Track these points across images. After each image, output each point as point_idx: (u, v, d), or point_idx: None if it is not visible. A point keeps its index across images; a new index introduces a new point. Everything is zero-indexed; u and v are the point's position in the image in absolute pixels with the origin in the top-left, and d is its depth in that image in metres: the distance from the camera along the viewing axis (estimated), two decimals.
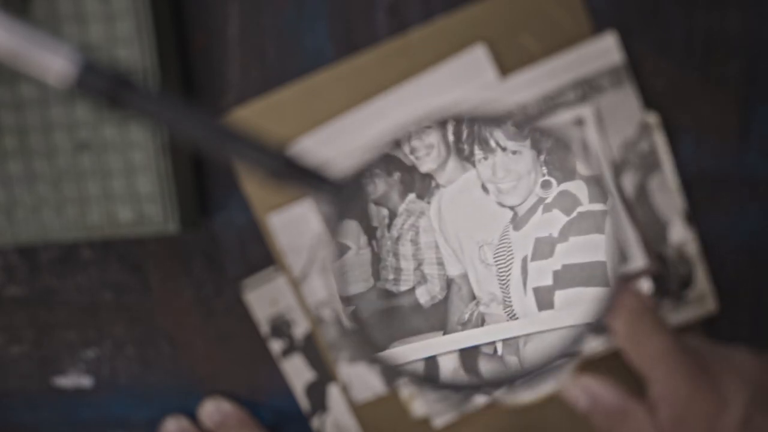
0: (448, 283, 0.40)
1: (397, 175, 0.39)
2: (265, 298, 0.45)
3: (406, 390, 0.44)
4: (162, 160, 0.41)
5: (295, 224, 0.43)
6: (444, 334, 0.40)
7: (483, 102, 0.41)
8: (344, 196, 0.26)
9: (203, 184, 0.44)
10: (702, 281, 0.42)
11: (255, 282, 0.45)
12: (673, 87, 0.41)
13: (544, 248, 0.38)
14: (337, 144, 0.42)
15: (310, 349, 0.45)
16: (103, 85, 0.24)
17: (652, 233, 0.42)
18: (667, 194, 0.41)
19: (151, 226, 0.41)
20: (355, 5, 0.42)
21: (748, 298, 0.43)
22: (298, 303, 0.44)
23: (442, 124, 0.38)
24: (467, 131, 0.39)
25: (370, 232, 0.39)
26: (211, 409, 0.46)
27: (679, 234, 0.42)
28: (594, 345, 0.43)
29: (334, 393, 0.45)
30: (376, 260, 0.40)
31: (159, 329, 0.46)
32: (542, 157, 0.38)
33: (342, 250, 0.39)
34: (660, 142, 0.41)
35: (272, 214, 0.43)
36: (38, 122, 0.41)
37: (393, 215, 0.40)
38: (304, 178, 0.25)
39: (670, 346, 0.35)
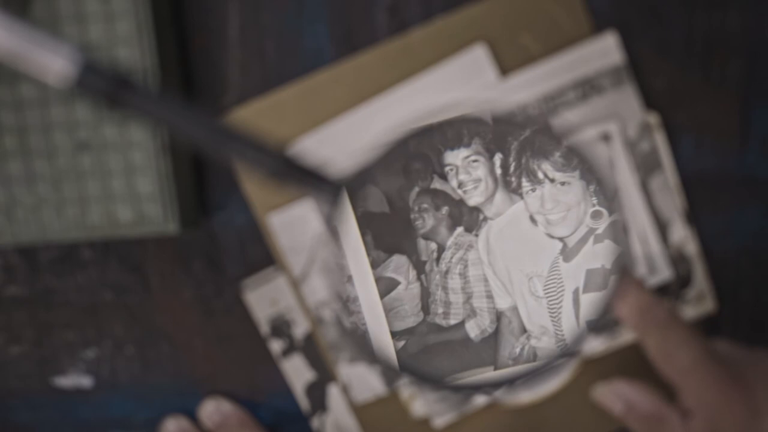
0: (498, 316, 0.39)
1: (445, 209, 0.39)
2: (265, 298, 0.45)
3: (406, 390, 0.44)
4: (162, 160, 0.41)
5: (295, 224, 0.43)
6: (495, 368, 0.39)
7: (484, 102, 0.41)
8: (344, 197, 0.26)
9: (203, 184, 0.44)
10: (701, 281, 0.42)
11: (255, 282, 0.45)
12: (673, 87, 0.41)
13: (596, 280, 0.38)
14: (337, 144, 0.42)
15: (310, 349, 0.45)
16: (103, 85, 0.24)
17: (653, 233, 0.42)
18: (668, 194, 0.41)
19: (151, 226, 0.41)
20: (355, 5, 0.42)
21: (747, 298, 0.43)
22: (298, 303, 0.44)
23: (489, 157, 0.38)
24: (515, 164, 0.38)
25: (419, 266, 0.39)
26: (211, 409, 0.46)
27: (679, 234, 0.42)
28: (594, 345, 0.43)
29: (334, 393, 0.45)
30: (426, 294, 0.40)
31: (159, 329, 0.46)
32: (592, 188, 0.38)
33: (392, 284, 0.39)
34: (660, 142, 0.41)
35: (272, 214, 0.43)
36: (38, 122, 0.41)
37: (441, 249, 0.39)
38: (304, 178, 0.25)
39: (702, 357, 0.35)
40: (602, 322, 0.38)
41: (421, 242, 0.40)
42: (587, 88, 0.41)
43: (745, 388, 0.35)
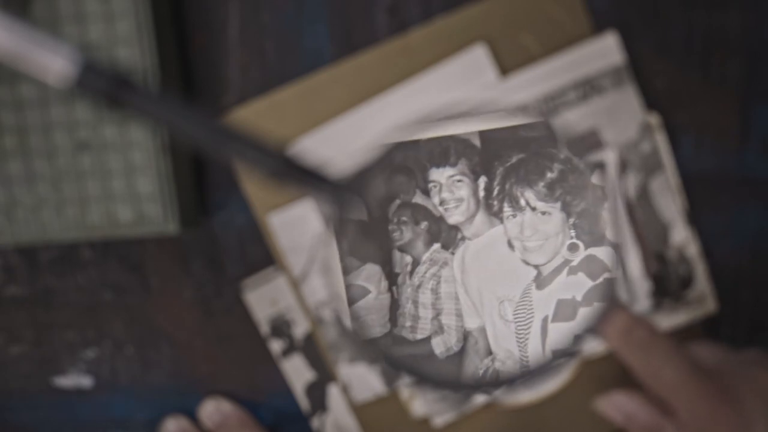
0: (465, 335, 0.40)
1: (424, 224, 0.39)
2: (265, 298, 0.45)
3: (406, 390, 0.44)
4: (162, 160, 0.41)
5: (295, 224, 0.43)
6: None
7: (484, 101, 0.41)
8: (344, 196, 0.26)
9: (203, 184, 0.44)
10: (702, 282, 0.42)
11: (255, 282, 0.45)
12: (673, 87, 0.41)
13: (566, 310, 0.38)
14: (337, 144, 0.42)
15: (310, 349, 0.45)
16: (103, 85, 0.24)
17: (654, 234, 0.42)
18: (669, 195, 0.41)
19: (151, 226, 0.41)
20: (355, 5, 0.42)
21: (748, 298, 0.43)
22: (298, 303, 0.44)
23: (474, 178, 0.38)
24: (498, 188, 0.39)
25: (392, 277, 0.40)
26: (211, 409, 0.46)
27: (681, 235, 0.42)
28: (594, 345, 0.43)
29: (334, 393, 0.45)
30: (395, 306, 0.40)
31: (159, 329, 0.46)
32: (571, 220, 0.38)
33: (362, 293, 0.39)
34: (661, 142, 0.41)
35: (272, 214, 0.43)
36: (38, 122, 0.41)
37: (416, 263, 0.40)
38: (304, 178, 0.25)
39: (687, 373, 0.35)
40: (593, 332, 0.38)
41: (397, 254, 0.40)
42: (587, 88, 0.41)
43: (733, 397, 0.35)
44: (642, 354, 0.36)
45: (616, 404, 0.39)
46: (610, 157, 0.41)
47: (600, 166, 0.40)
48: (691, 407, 0.35)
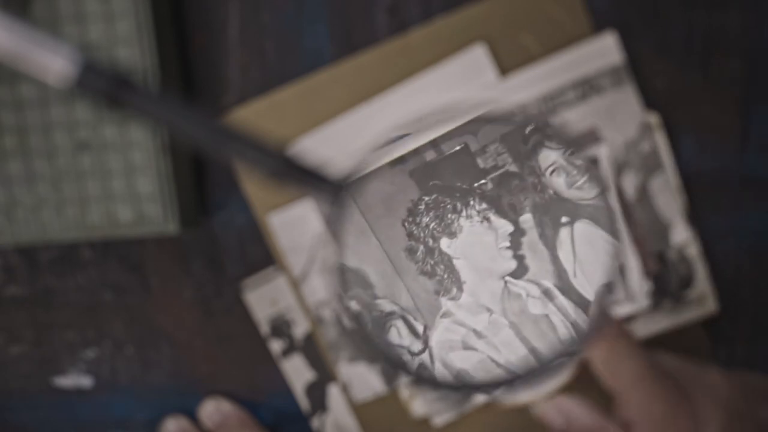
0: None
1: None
2: (265, 298, 0.45)
3: (406, 390, 0.44)
4: (162, 160, 0.41)
5: (295, 224, 0.43)
6: None
7: (484, 101, 0.41)
8: (344, 196, 0.26)
9: (203, 184, 0.44)
10: (702, 281, 0.42)
11: (255, 282, 0.45)
12: (673, 87, 0.41)
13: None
14: (337, 144, 0.42)
15: (310, 349, 0.45)
16: (103, 85, 0.24)
17: (654, 234, 0.42)
18: (669, 195, 0.41)
19: (151, 226, 0.41)
20: (355, 5, 0.42)
21: (748, 298, 0.43)
22: (298, 303, 0.44)
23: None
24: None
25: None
26: (211, 409, 0.46)
27: (681, 235, 0.42)
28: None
29: (334, 393, 0.45)
30: None
31: (159, 329, 0.46)
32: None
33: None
34: (661, 142, 0.41)
35: (272, 214, 0.43)
36: (38, 122, 0.41)
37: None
38: (304, 178, 0.25)
39: (647, 370, 0.36)
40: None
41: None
42: (587, 88, 0.41)
43: (688, 401, 0.35)
44: (604, 347, 0.36)
45: (557, 406, 0.39)
46: (603, 152, 0.41)
47: (594, 162, 0.40)
48: (645, 405, 0.35)
